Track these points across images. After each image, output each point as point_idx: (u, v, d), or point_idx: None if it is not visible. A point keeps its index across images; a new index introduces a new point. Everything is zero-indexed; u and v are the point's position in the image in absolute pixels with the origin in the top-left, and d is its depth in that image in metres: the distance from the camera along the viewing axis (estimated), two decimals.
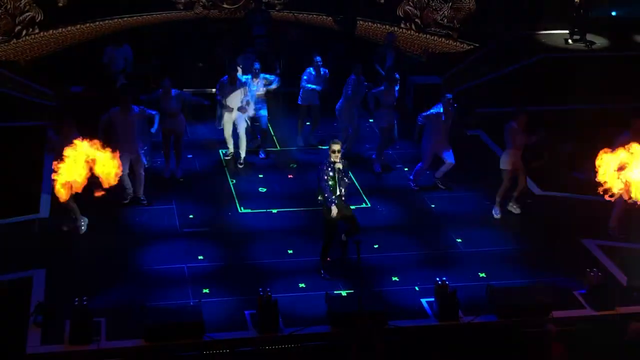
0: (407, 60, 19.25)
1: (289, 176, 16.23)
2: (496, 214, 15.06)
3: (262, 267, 13.50)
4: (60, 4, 19.70)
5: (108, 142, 13.35)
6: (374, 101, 16.45)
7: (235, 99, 16.15)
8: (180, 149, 15.96)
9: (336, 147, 12.88)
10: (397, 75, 16.49)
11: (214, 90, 16.84)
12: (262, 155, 16.96)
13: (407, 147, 17.09)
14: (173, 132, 15.75)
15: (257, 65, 16.63)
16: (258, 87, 16.59)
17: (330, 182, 12.90)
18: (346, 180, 13.06)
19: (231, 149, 16.66)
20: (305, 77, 17.08)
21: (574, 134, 17.10)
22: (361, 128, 17.46)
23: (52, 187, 12.82)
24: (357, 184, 15.88)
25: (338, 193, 12.92)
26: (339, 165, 12.90)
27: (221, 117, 16.48)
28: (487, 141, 17.61)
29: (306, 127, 17.59)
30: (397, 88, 16.42)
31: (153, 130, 15.16)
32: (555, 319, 12.07)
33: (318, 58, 17.01)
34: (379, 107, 16.40)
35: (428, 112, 15.48)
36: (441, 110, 15.33)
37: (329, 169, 12.91)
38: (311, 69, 17.03)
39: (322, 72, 17.09)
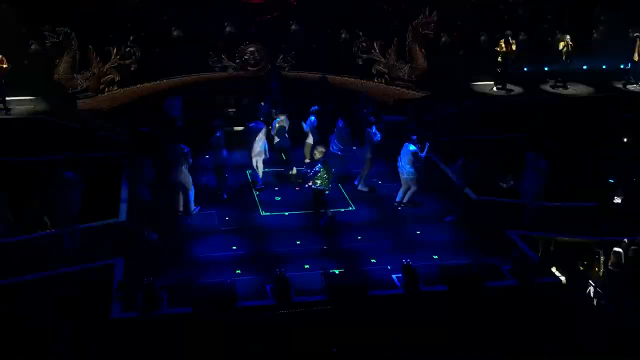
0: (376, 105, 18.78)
1: (296, 188, 16.20)
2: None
3: (278, 254, 13.48)
4: (132, 69, 19.74)
5: None
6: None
7: (259, 141, 15.71)
8: (223, 176, 15.50)
9: (322, 149, 14.40)
10: (371, 119, 15.77)
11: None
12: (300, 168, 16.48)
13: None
14: (219, 164, 15.42)
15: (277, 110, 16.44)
16: (274, 125, 16.36)
17: (323, 173, 14.08)
18: (332, 170, 14.43)
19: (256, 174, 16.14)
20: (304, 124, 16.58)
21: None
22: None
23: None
24: (344, 192, 15.87)
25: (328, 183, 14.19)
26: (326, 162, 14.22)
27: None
28: (437, 161, 17.44)
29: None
30: (375, 130, 15.41)
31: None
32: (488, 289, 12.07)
33: (315, 107, 16.64)
34: (366, 143, 15.60)
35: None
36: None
37: (320, 166, 14.10)
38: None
39: (310, 120, 16.40)
